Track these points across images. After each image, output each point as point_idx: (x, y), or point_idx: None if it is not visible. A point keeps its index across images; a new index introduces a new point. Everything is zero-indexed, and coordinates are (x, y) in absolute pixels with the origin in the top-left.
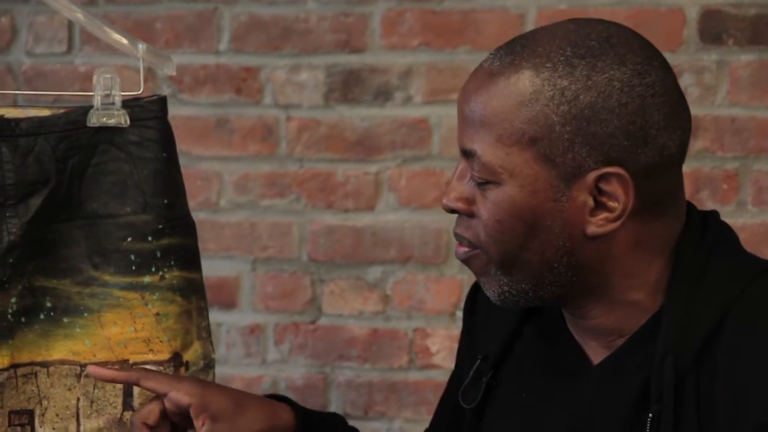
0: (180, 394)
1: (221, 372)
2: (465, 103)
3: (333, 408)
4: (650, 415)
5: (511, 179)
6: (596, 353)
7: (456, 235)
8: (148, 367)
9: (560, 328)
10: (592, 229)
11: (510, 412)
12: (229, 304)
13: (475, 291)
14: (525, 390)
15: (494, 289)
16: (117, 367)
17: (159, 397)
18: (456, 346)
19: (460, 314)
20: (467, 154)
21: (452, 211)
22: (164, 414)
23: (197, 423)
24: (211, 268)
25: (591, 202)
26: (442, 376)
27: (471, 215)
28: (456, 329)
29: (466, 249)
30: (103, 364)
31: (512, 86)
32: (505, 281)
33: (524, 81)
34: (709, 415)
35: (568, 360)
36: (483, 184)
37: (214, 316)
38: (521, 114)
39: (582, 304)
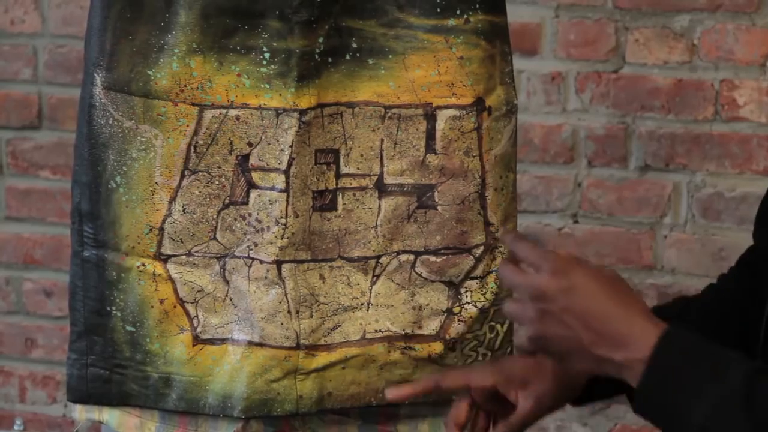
0: (481, 380)
1: (521, 119)
2: None
3: (633, 159)
4: None
5: None
6: None
7: None
8: (450, 111)
9: None
10: None
11: None
12: (531, 51)
13: None
14: None
15: None
16: (411, 389)
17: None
18: (765, 98)
19: None
20: None
21: None
22: (474, 406)
23: (511, 397)
24: (513, 13)
25: None
26: (748, 129)
27: None
28: (766, 81)
29: None
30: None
31: None
32: None
33: None
34: None
35: None
36: None
37: (515, 62)
38: None
39: None
